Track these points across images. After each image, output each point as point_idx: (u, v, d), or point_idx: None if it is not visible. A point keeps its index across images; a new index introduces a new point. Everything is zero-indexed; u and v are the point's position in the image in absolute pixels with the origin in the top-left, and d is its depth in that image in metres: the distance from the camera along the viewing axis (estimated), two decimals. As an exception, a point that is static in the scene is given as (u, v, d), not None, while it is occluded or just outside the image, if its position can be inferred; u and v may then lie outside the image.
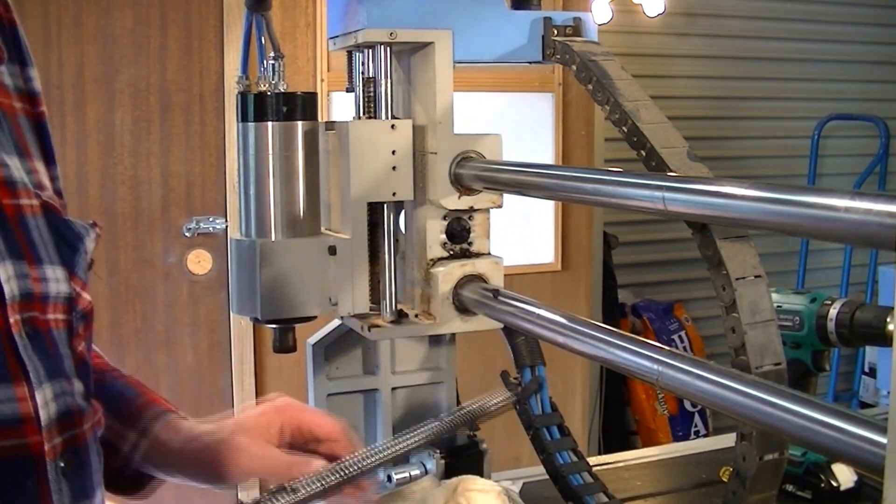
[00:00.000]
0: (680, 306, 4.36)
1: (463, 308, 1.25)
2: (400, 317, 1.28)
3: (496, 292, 1.20)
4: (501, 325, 1.26)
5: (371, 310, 1.27)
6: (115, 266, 3.05)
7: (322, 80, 3.11)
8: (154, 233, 3.10)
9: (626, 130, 1.07)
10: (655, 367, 0.86)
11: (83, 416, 0.69)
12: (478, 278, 1.26)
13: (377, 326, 1.26)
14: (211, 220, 3.14)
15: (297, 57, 3.10)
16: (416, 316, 1.29)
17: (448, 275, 1.25)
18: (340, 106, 3.10)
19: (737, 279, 0.90)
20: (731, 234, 0.91)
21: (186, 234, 3.13)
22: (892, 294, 3.79)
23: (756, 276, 0.91)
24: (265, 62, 1.21)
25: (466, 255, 1.28)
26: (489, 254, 1.30)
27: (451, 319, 1.26)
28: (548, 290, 3.48)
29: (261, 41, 1.23)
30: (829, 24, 4.78)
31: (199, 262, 3.15)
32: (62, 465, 0.65)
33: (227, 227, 3.14)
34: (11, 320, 0.63)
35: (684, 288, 4.45)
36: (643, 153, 1.04)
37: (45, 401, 0.64)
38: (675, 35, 4.41)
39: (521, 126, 3.40)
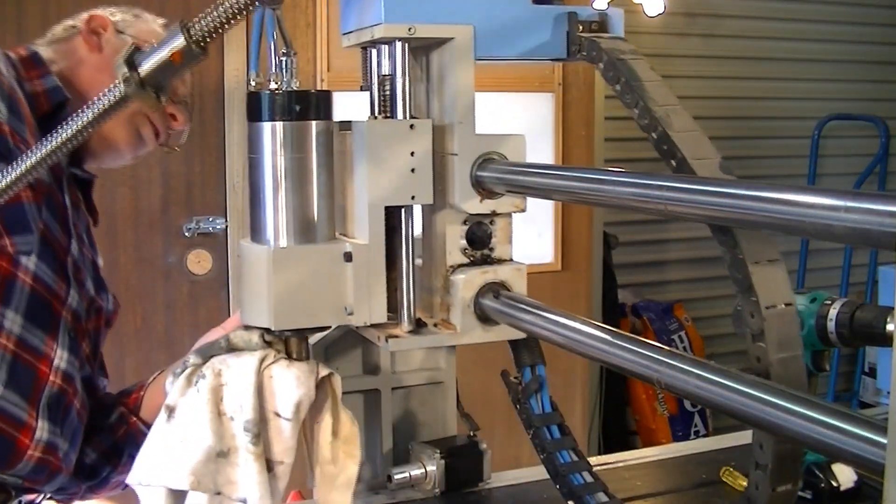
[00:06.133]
0: (680, 306, 4.36)
1: (484, 317, 1.19)
2: (419, 326, 1.21)
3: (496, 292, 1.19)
4: (524, 335, 1.21)
5: (388, 319, 1.18)
6: (115, 266, 3.05)
7: (322, 81, 3.11)
8: (154, 233, 3.10)
9: (655, 137, 1.02)
10: (655, 366, 0.85)
11: None
12: (500, 286, 1.20)
13: (395, 337, 1.18)
14: (211, 220, 3.14)
15: (297, 57, 3.09)
16: (436, 325, 1.23)
17: (469, 282, 1.19)
18: (340, 106, 3.09)
19: (766, 308, 0.87)
20: (764, 259, 0.89)
21: (186, 234, 3.12)
22: (892, 294, 3.78)
23: (786, 305, 0.88)
24: (276, 59, 1.13)
25: (488, 261, 1.22)
26: (511, 260, 1.24)
27: (473, 329, 1.20)
28: (548, 290, 3.47)
29: (272, 37, 1.14)
30: (829, 24, 4.78)
31: (199, 262, 3.15)
32: None
33: (227, 227, 3.14)
34: None
35: (684, 288, 4.44)
36: (674, 163, 0.99)
37: None
38: (675, 35, 4.40)
39: (521, 126, 3.38)
